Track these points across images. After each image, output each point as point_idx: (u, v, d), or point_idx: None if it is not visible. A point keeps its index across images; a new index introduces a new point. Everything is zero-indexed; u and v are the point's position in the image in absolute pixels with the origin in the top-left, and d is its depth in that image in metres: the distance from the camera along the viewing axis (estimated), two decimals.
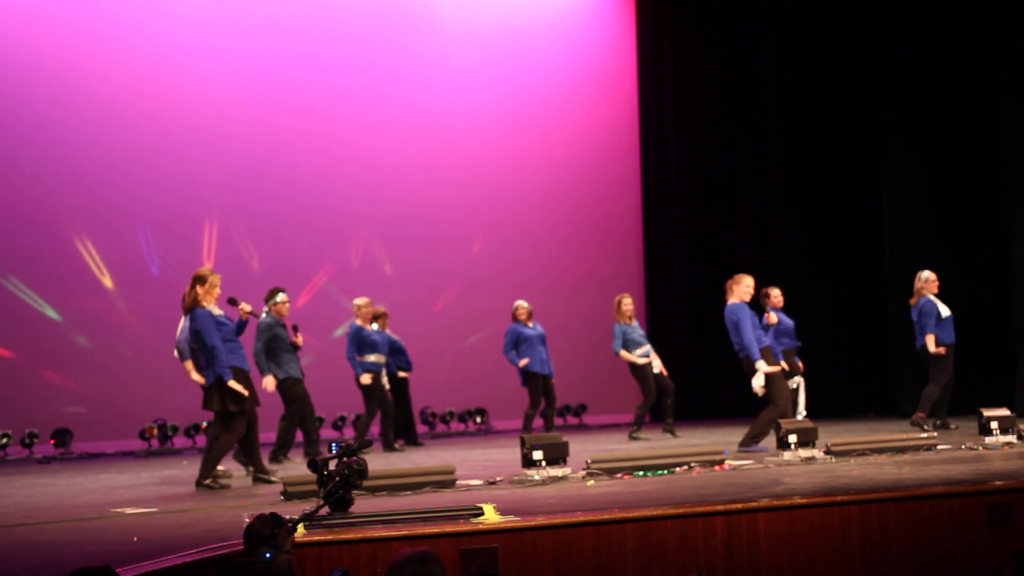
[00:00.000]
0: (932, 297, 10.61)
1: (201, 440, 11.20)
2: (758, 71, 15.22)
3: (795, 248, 14.64)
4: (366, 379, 10.80)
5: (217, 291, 8.00)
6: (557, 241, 14.63)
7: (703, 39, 15.51)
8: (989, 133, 12.92)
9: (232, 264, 12.24)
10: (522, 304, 11.72)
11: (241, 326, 8.20)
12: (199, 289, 7.94)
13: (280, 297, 10.06)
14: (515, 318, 11.68)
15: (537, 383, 11.56)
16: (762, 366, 9.28)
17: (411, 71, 13.92)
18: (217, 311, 8.02)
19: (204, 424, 11.28)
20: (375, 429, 11.27)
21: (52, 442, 11.37)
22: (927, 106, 13.47)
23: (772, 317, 10.53)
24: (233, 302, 8.14)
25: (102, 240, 12.15)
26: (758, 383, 9.31)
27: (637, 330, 11.71)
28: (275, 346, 9.91)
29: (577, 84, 15.01)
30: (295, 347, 10.01)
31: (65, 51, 12.07)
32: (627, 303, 11.73)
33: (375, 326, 11.24)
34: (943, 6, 13.12)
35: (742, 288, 9.51)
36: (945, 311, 10.55)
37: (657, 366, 11.64)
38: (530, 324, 11.66)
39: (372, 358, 10.93)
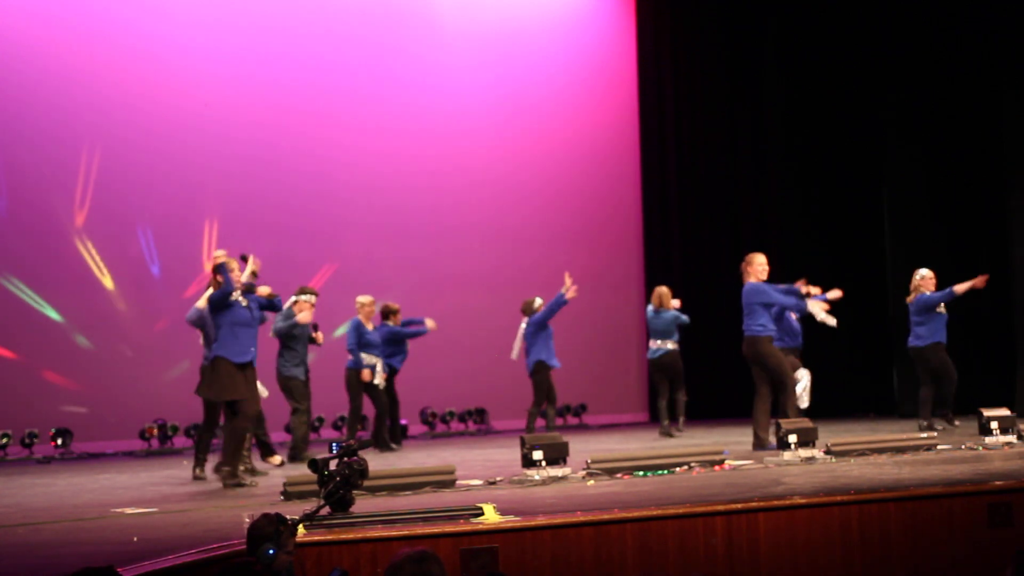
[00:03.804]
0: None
1: None
2: (758, 71, 15.21)
3: (795, 248, 14.62)
4: (367, 375, 10.94)
5: (235, 275, 7.86)
6: (557, 241, 14.61)
7: (703, 39, 15.50)
8: (989, 133, 12.92)
9: None
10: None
11: (270, 305, 8.05)
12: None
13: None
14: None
15: (548, 377, 11.39)
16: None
17: (411, 72, 13.92)
18: (240, 300, 7.84)
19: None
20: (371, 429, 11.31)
21: (52, 443, 11.36)
22: (927, 106, 13.46)
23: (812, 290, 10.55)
24: (244, 258, 7.97)
25: (102, 240, 12.14)
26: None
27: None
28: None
29: (577, 84, 15.00)
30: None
31: (66, 52, 12.06)
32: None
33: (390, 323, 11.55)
34: (943, 6, 13.12)
35: (756, 268, 9.53)
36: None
37: None
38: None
39: (365, 357, 11.01)
